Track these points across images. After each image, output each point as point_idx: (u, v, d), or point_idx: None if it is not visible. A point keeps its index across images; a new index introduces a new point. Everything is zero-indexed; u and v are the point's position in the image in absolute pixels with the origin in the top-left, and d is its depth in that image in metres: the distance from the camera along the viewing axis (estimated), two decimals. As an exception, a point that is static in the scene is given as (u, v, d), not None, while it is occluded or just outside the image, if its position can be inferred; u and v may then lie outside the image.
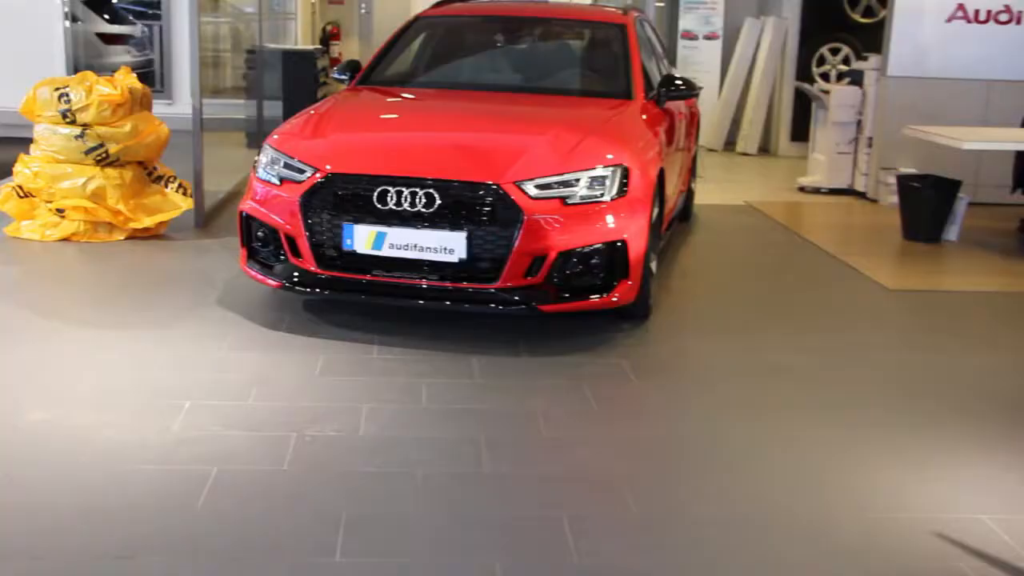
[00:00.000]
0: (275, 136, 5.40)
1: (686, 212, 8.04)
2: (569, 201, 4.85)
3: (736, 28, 12.42)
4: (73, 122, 6.66)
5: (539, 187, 4.83)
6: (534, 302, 4.85)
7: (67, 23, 12.26)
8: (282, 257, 5.11)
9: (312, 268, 4.98)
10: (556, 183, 4.87)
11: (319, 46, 13.19)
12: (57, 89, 6.69)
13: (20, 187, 6.83)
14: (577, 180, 4.90)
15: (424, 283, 4.87)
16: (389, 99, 6.18)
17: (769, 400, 4.48)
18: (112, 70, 14.99)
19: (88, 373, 4.42)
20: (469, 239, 4.77)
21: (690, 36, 12.64)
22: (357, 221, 4.86)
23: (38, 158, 6.79)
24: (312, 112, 5.70)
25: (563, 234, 4.81)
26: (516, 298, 4.83)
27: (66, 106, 6.65)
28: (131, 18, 15.53)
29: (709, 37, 12.55)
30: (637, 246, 5.00)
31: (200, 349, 4.78)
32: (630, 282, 5.00)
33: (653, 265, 5.48)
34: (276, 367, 4.60)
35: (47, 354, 4.67)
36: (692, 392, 4.56)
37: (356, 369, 4.60)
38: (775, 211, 8.80)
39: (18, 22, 11.69)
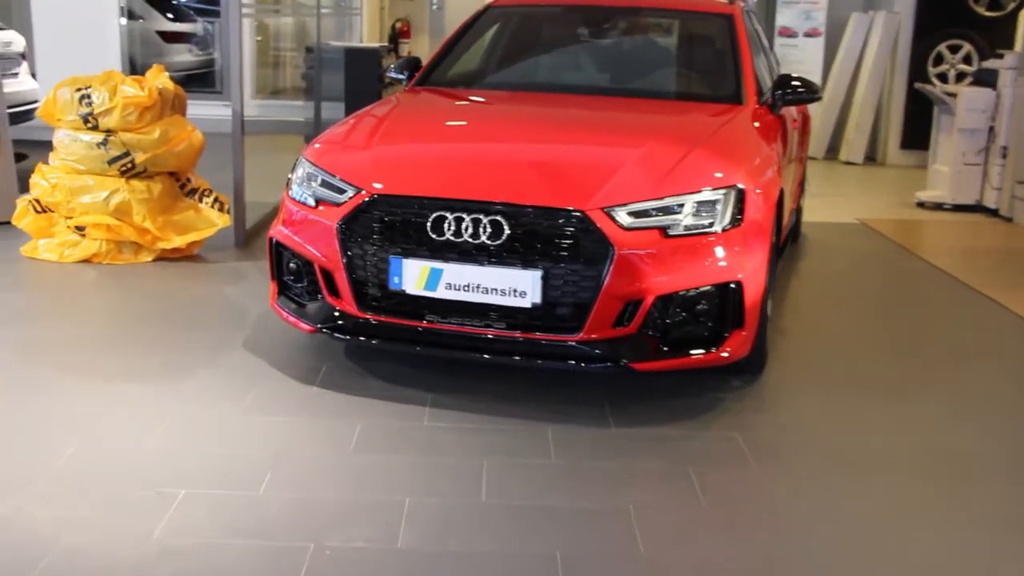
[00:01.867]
0: (314, 146, 4.50)
1: (794, 233, 6.99)
2: (670, 232, 3.87)
3: (840, 24, 11.29)
4: (95, 127, 5.84)
5: (633, 215, 3.86)
6: (625, 359, 3.87)
7: (123, 20, 11.56)
8: (318, 295, 4.20)
9: (352, 310, 4.06)
10: (654, 210, 3.89)
11: (386, 44, 12.34)
12: (79, 90, 5.88)
13: (37, 201, 6.03)
14: (680, 206, 3.92)
15: (488, 333, 3.92)
16: (452, 103, 5.24)
17: (939, 504, 3.44)
18: (175, 70, 14.38)
19: (67, 444, 3.54)
20: (545, 279, 3.81)
21: (789, 33, 11.53)
22: (407, 254, 3.93)
23: (57, 168, 5.99)
24: (359, 118, 4.79)
25: (663, 273, 3.83)
26: (602, 353, 3.87)
27: (87, 109, 5.83)
28: (193, 15, 14.90)
29: (810, 34, 11.43)
30: (754, 288, 4.00)
31: (212, 411, 3.88)
32: (744, 333, 4.01)
33: (768, 306, 4.47)
34: (302, 438, 3.68)
35: (24, 415, 3.81)
36: (831, 485, 3.53)
37: (400, 443, 3.66)
38: (893, 231, 7.71)
39: (70, 18, 10.97)
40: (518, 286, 3.83)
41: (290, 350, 4.53)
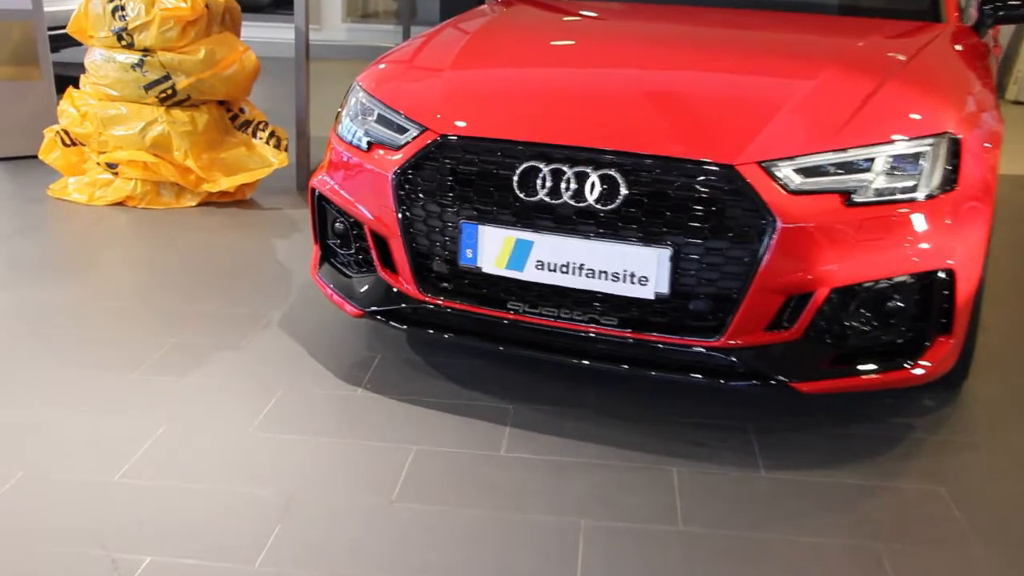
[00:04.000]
0: (374, 68, 3.45)
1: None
2: (855, 199, 2.72)
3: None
4: (130, 45, 4.88)
5: (803, 172, 2.72)
6: (783, 375, 2.76)
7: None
8: (369, 268, 3.18)
9: (411, 291, 3.02)
10: (832, 166, 2.75)
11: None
12: (111, 1, 4.91)
13: (66, 132, 5.12)
14: (869, 161, 2.76)
15: (592, 331, 2.84)
16: (556, 18, 4.11)
17: None
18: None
19: (12, 469, 2.59)
20: (675, 261, 2.71)
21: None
22: (484, 220, 2.87)
23: (88, 94, 5.05)
24: (434, 34, 3.71)
25: (843, 257, 2.69)
26: (751, 366, 2.76)
27: (121, 24, 4.86)
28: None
29: (977, -46, 9.89)
30: (969, 278, 2.83)
31: (218, 423, 2.90)
32: (952, 340, 2.85)
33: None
34: (330, 473, 2.67)
35: (-23, 420, 2.88)
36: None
37: (465, 485, 2.62)
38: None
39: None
40: (637, 269, 2.74)
41: (337, 332, 3.53)
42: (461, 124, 2.95)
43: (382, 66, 3.47)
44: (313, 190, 3.36)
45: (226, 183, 4.95)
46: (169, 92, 4.86)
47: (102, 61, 4.95)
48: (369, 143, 3.12)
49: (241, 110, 5.15)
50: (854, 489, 2.68)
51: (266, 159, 5.05)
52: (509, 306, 2.92)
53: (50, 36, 5.98)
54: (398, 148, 3.02)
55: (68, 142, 5.11)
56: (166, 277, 4.07)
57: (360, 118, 3.22)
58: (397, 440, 2.82)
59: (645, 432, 2.93)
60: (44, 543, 2.30)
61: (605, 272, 2.77)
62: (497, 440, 2.85)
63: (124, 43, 4.87)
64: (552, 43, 3.66)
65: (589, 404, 3.09)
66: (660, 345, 2.80)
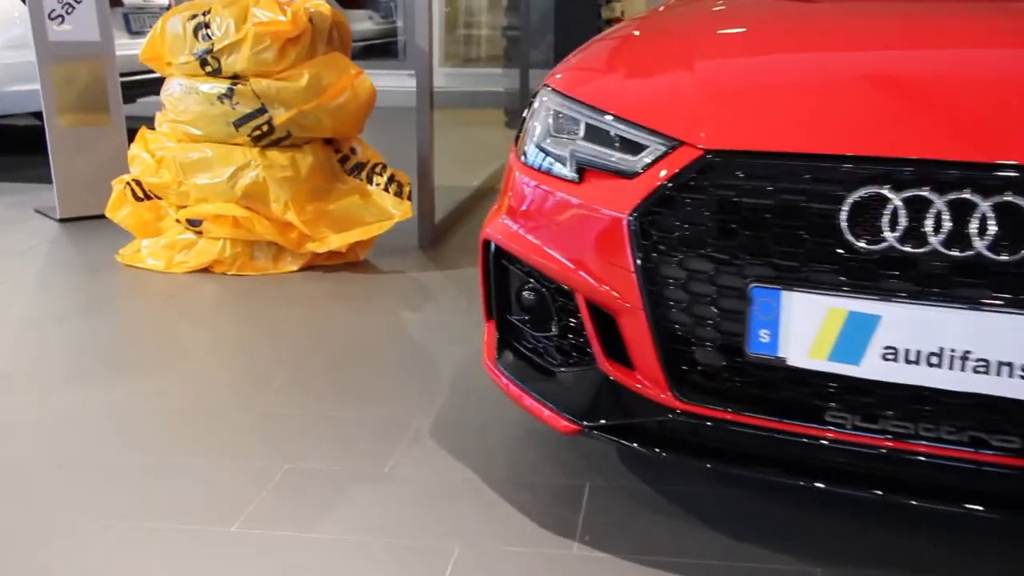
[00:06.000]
0: (563, 75, 2.37)
1: None
2: None
3: None
4: (217, 72, 3.92)
5: None
6: None
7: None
8: (582, 356, 2.11)
9: (661, 395, 1.94)
10: None
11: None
12: (193, 17, 3.97)
13: (137, 183, 4.16)
14: None
15: (978, 458, 1.73)
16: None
17: None
18: (354, 39, 12.69)
19: None
20: None
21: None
22: (790, 282, 1.78)
23: (165, 135, 4.10)
24: (639, 30, 2.64)
25: None
26: None
27: (206, 45, 3.91)
28: (374, -22, 13.26)
29: None
30: None
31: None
32: None
33: None
34: None
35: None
36: None
37: None
38: None
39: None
40: (1066, 359, 1.63)
41: (517, 446, 2.47)
42: (740, 134, 1.88)
43: (564, 75, 2.39)
44: (487, 243, 2.31)
45: (336, 241, 3.94)
46: (264, 129, 3.89)
47: (182, 93, 4.00)
48: (581, 167, 2.07)
49: (352, 150, 4.15)
50: None
51: (385, 210, 4.03)
52: (829, 418, 1.82)
53: (122, 84, 5.11)
54: (631, 176, 1.96)
55: (140, 195, 4.15)
56: (266, 368, 3.04)
57: (557, 137, 2.17)
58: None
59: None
60: None
61: (1009, 364, 1.67)
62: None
63: (209, 69, 3.92)
64: (826, 23, 2.53)
65: (926, 559, 1.98)
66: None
